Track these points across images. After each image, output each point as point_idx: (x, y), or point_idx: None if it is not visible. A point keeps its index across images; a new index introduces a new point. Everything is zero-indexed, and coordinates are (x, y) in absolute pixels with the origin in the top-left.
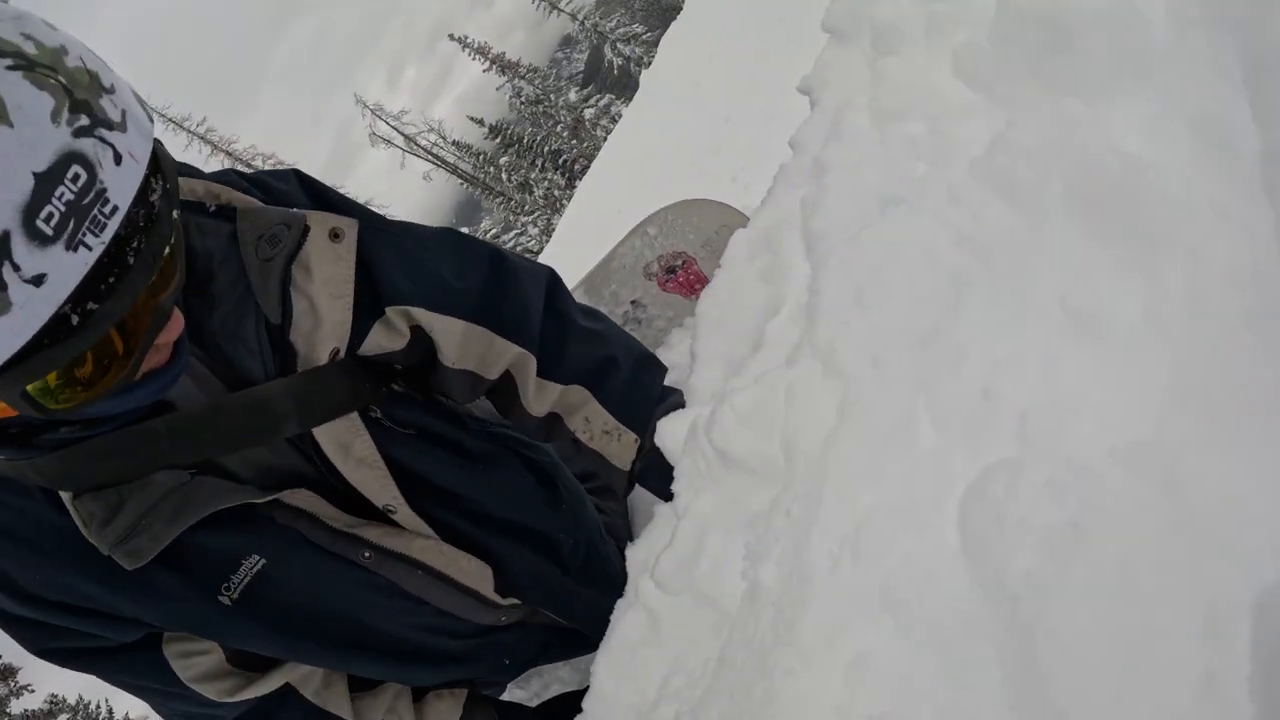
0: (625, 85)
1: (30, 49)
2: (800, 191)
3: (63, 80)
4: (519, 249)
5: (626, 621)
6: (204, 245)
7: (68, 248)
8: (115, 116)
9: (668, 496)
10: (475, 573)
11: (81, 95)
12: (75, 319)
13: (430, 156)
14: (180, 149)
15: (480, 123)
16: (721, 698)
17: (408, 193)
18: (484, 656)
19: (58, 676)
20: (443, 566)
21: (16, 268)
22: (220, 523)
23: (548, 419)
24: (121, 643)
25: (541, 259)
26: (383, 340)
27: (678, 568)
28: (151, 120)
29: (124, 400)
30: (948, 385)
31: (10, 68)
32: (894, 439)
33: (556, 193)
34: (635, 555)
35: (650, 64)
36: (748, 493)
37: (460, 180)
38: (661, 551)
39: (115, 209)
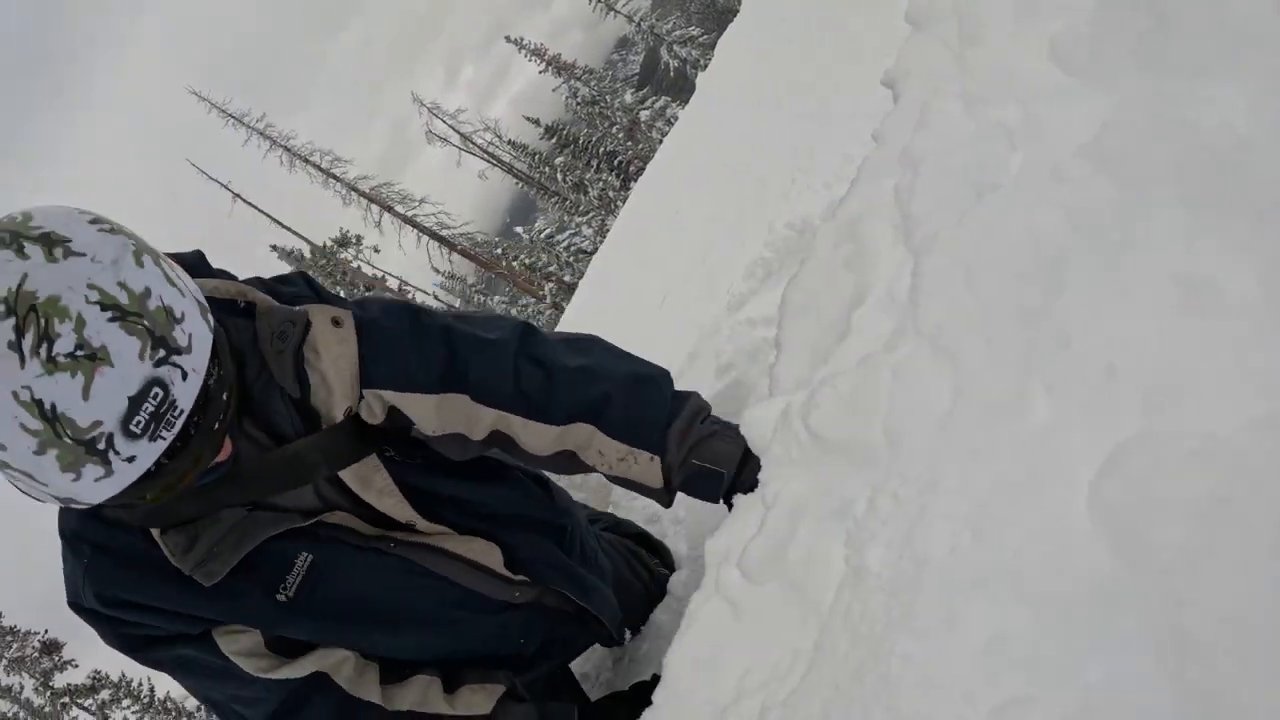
0: (681, 88)
1: (124, 299)
2: (888, 181)
3: (146, 324)
4: (573, 248)
5: (706, 612)
6: (240, 340)
7: (150, 440)
8: (184, 342)
9: (714, 500)
10: (485, 551)
11: (160, 333)
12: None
13: (486, 155)
14: (239, 144)
15: (536, 123)
16: (824, 689)
17: (463, 191)
18: (503, 634)
19: (100, 654)
20: (456, 548)
21: (118, 453)
22: (276, 537)
23: (560, 456)
24: (187, 631)
25: (595, 259)
26: (366, 417)
27: (767, 557)
28: (210, 325)
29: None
30: (1063, 362)
31: (110, 320)
32: (1010, 418)
33: (611, 194)
34: (716, 546)
35: (706, 66)
36: (844, 478)
37: (515, 179)
38: (749, 541)
39: (181, 412)
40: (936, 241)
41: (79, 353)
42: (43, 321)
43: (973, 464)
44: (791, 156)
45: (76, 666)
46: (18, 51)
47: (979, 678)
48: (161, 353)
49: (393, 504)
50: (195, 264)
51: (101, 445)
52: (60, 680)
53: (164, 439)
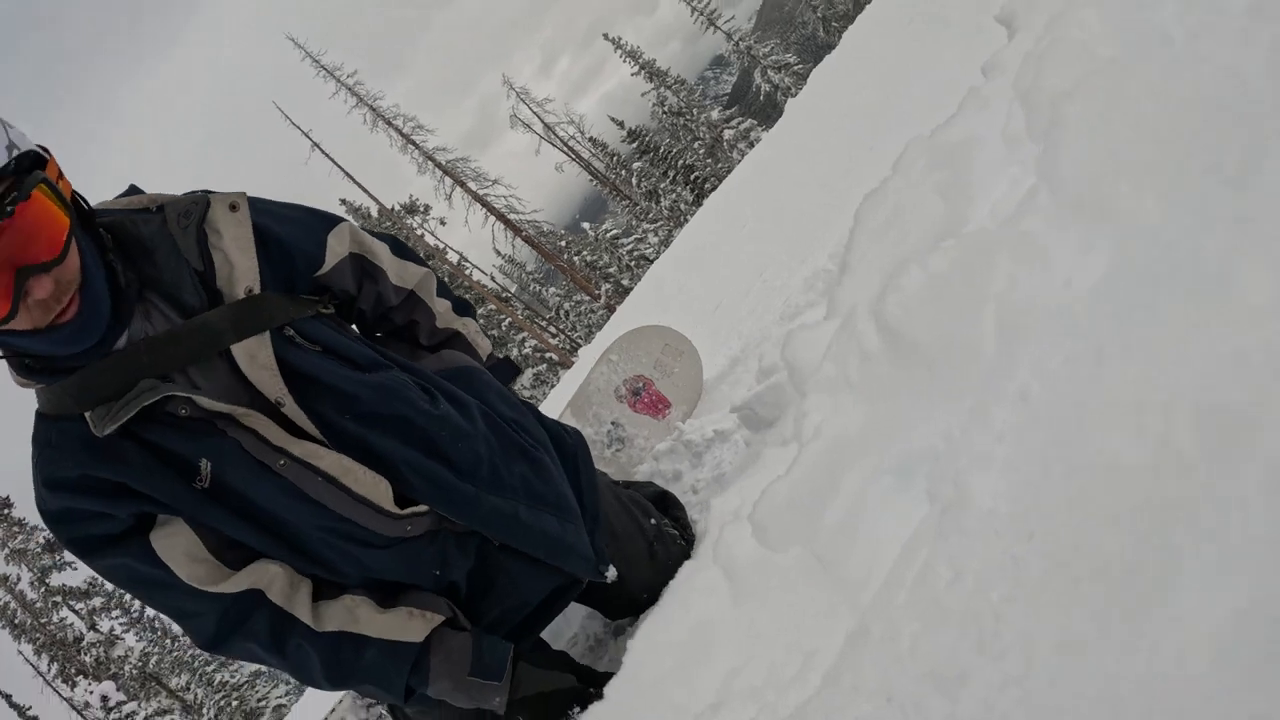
0: (769, 114)
1: None
2: (989, 114)
3: None
4: (636, 254)
5: (695, 585)
6: (146, 232)
7: None
8: None
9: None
10: (371, 484)
11: None
12: None
13: (565, 148)
14: (327, 96)
15: (620, 125)
16: (860, 702)
17: (538, 179)
18: (406, 567)
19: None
20: (338, 474)
21: None
22: (183, 427)
23: (408, 298)
24: (123, 529)
25: (655, 265)
26: (329, 259)
27: (792, 513)
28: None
29: (57, 343)
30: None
31: None
32: (1210, 288)
33: (683, 207)
34: (727, 502)
35: (798, 94)
36: (926, 403)
37: (590, 177)
38: (770, 487)
39: None
40: (1072, 107)
41: None
42: None
43: (1157, 342)
44: (870, 183)
45: (75, 570)
46: None
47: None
48: None
49: (267, 377)
50: (128, 192)
51: None
52: (56, 580)
53: None
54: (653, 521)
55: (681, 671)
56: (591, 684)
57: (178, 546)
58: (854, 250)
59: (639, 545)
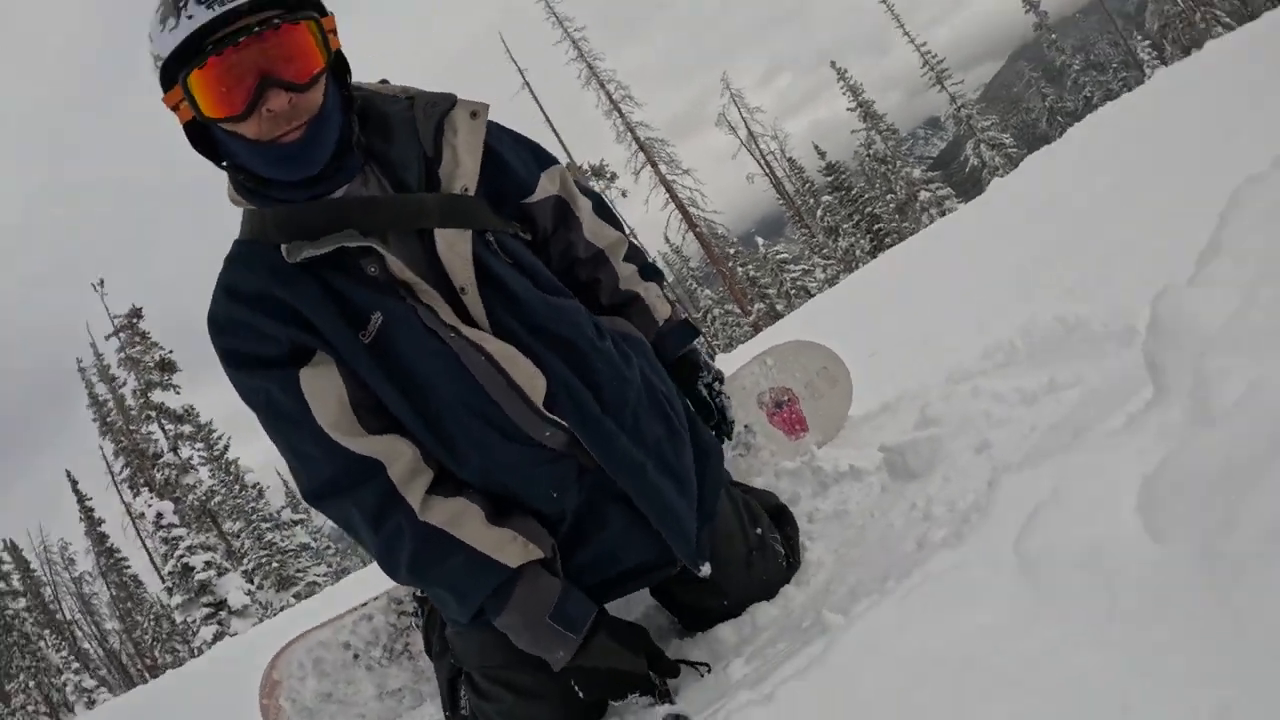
0: (969, 189)
1: None
2: None
3: None
4: (799, 284)
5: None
6: (392, 110)
7: (207, 8)
8: None
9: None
10: (529, 376)
11: None
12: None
13: (762, 160)
14: (551, 44)
15: (822, 154)
16: None
17: (727, 183)
18: (529, 474)
19: (201, 396)
20: (501, 359)
21: (188, 14)
22: (366, 282)
23: (596, 255)
24: (278, 354)
25: (818, 297)
26: (539, 194)
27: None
28: None
29: (278, 167)
30: None
31: None
32: None
33: (858, 253)
34: (1024, 487)
35: (1006, 175)
36: None
37: (778, 196)
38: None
39: None
40: None
41: None
42: None
43: None
44: (1069, 269)
45: (179, 393)
46: None
47: None
48: None
49: (459, 264)
50: (381, 82)
51: (181, 4)
52: (158, 396)
53: (214, 9)
54: (759, 531)
55: None
56: (664, 671)
57: (324, 389)
58: (1228, 229)
59: (738, 549)
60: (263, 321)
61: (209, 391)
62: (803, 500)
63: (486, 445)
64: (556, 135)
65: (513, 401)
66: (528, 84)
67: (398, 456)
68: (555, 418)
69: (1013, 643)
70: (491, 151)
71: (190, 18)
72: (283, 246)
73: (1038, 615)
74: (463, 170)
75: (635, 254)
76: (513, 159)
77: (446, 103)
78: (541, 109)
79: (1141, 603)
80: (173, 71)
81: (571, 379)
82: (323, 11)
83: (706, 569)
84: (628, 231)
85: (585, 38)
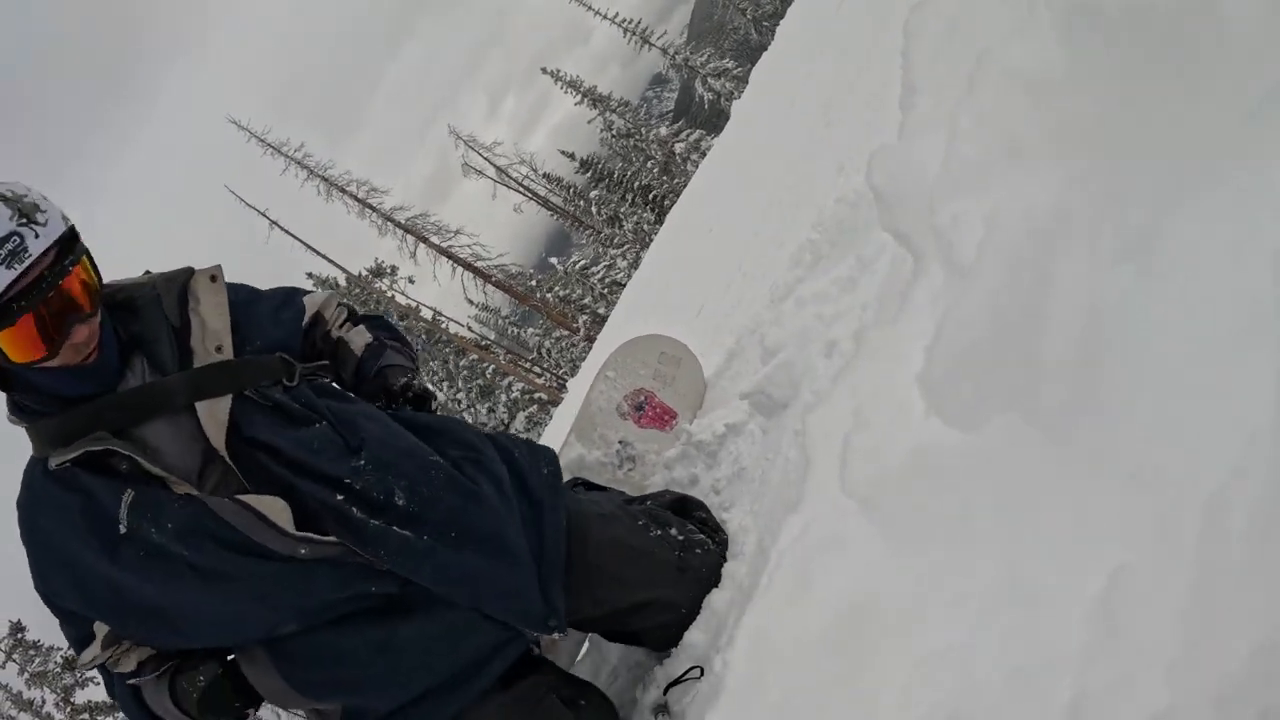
0: (716, 123)
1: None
2: None
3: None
4: (608, 280)
5: (812, 545)
6: (138, 295)
7: (5, 268)
8: (41, 220)
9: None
10: (271, 504)
11: (26, 212)
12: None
13: (521, 189)
14: (278, 172)
15: (571, 156)
16: None
17: (500, 223)
18: (290, 585)
19: None
20: (247, 499)
21: None
22: (119, 476)
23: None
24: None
25: (628, 287)
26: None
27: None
28: (64, 223)
29: (86, 383)
30: None
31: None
32: None
33: (646, 228)
34: (832, 417)
35: (741, 96)
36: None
37: (550, 213)
38: (944, 328)
39: (30, 255)
40: None
41: None
42: None
43: None
44: (837, 150)
45: (98, 684)
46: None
47: None
48: (24, 219)
49: (215, 430)
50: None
51: None
52: (81, 697)
53: (14, 269)
54: (673, 531)
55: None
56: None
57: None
58: (913, 65)
59: (664, 560)
60: (62, 589)
61: None
62: (701, 478)
63: (245, 574)
64: (324, 257)
65: (264, 532)
66: (274, 223)
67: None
68: (308, 534)
69: (889, 583)
70: (241, 306)
71: None
72: (53, 463)
73: (900, 548)
74: (211, 333)
75: (347, 309)
76: (266, 305)
77: (184, 274)
78: (298, 239)
79: (983, 484)
80: None
81: (319, 491)
82: (77, 235)
83: (558, 633)
84: (430, 315)
85: (309, 153)
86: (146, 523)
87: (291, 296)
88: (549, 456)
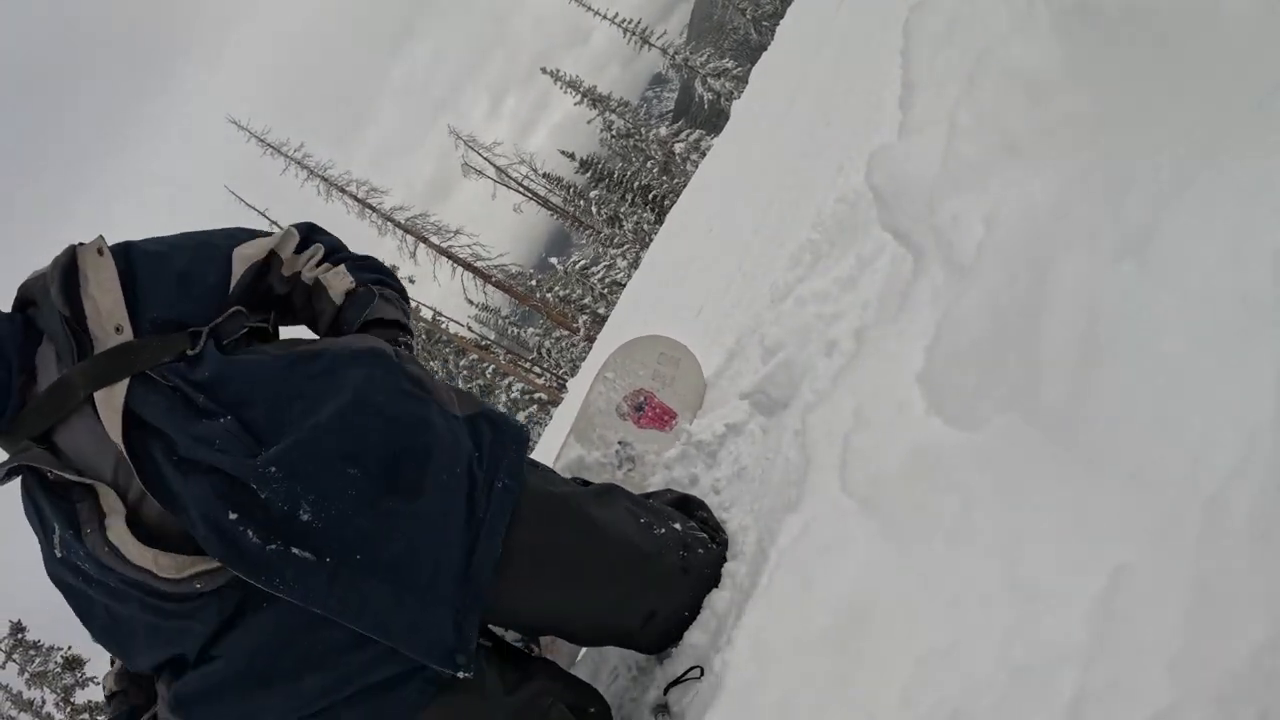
0: (716, 123)
1: None
2: None
3: None
4: (608, 280)
5: (814, 548)
6: (38, 290)
7: None
8: None
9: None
10: (150, 559)
11: None
12: None
13: (521, 189)
14: (278, 172)
15: (571, 156)
16: None
17: (500, 223)
18: (194, 618)
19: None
20: (121, 546)
21: None
22: (50, 490)
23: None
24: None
25: (629, 286)
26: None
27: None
28: None
29: None
30: None
31: None
32: None
33: (646, 227)
34: (834, 416)
35: (741, 95)
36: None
37: (550, 213)
38: (944, 328)
39: None
40: None
41: None
42: None
43: None
44: (838, 150)
45: (98, 684)
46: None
47: None
48: None
49: (110, 418)
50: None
51: None
52: (81, 697)
53: None
54: (677, 526)
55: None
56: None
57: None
58: (913, 63)
59: (670, 562)
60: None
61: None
62: (701, 478)
63: (138, 623)
64: None
65: (147, 577)
66: (274, 223)
67: None
68: (193, 571)
69: (889, 583)
70: (137, 275)
71: None
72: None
73: (901, 547)
74: (107, 314)
75: (316, 242)
76: (170, 270)
77: (65, 254)
78: None
79: (984, 483)
80: None
81: (210, 500)
82: None
83: (464, 672)
84: (430, 315)
85: (308, 154)
86: (71, 556)
87: (213, 254)
88: (510, 466)
